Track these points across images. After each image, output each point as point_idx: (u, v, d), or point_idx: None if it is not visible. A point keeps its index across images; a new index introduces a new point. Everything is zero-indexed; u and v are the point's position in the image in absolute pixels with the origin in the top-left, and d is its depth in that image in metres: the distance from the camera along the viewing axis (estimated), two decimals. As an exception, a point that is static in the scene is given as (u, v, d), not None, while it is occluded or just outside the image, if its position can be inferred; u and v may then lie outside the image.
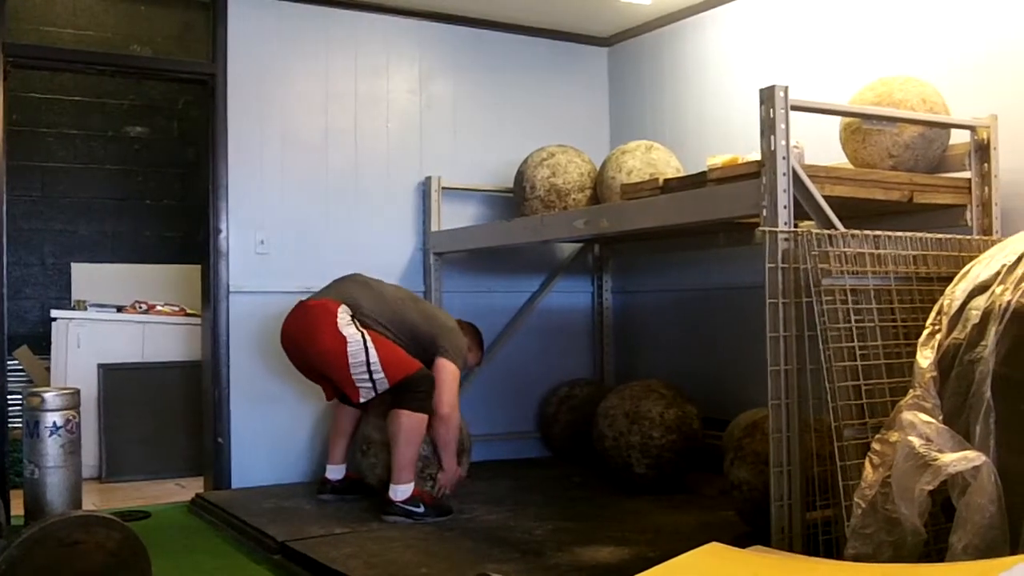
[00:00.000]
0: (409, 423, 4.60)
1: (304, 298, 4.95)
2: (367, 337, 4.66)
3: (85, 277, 7.42)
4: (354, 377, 4.63)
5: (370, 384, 4.65)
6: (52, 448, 4.53)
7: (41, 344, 6.81)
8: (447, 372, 4.80)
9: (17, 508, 4.70)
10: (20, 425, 4.72)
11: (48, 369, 6.52)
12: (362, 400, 4.74)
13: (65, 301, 7.22)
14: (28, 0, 6.21)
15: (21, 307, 7.26)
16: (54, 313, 6.49)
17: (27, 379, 6.62)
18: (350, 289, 4.90)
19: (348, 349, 4.61)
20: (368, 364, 4.61)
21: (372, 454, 4.86)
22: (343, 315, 4.70)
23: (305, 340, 4.79)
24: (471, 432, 5.77)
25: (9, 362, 5.29)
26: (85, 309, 6.62)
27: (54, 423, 4.53)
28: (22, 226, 7.27)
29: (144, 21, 5.82)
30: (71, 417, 4.60)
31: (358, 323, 4.72)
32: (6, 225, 4.99)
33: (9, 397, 5.03)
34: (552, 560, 3.81)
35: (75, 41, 6.36)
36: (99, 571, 3.07)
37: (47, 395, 4.58)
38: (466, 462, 5.01)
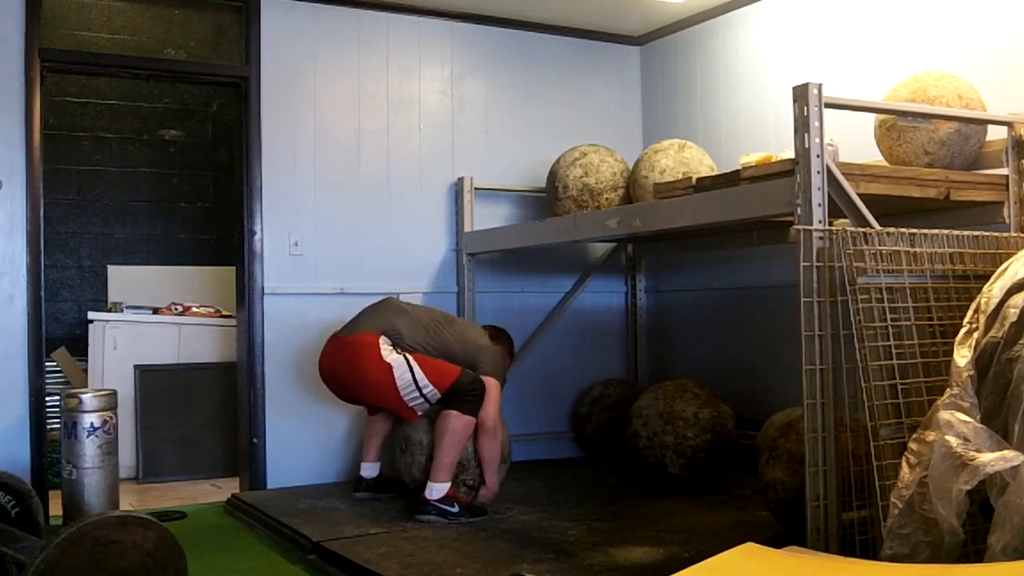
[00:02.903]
0: (458, 425, 4.62)
1: (336, 330, 4.96)
2: (409, 358, 4.70)
3: (121, 279, 7.49)
4: (405, 399, 4.68)
5: (422, 399, 4.69)
6: (89, 449, 4.56)
7: (78, 346, 6.87)
8: (491, 387, 4.77)
9: (55, 508, 4.75)
10: (58, 426, 4.77)
11: (85, 371, 6.58)
12: (419, 415, 4.78)
13: (101, 303, 7.29)
14: (63, 6, 6.26)
15: (58, 309, 7.34)
16: (91, 315, 6.53)
17: (64, 381, 6.68)
18: (388, 318, 4.88)
19: (395, 374, 4.65)
20: (416, 382, 4.65)
21: (409, 453, 4.87)
22: (384, 345, 4.73)
23: (350, 375, 4.82)
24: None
25: (47, 364, 5.34)
26: (121, 311, 6.67)
27: (91, 424, 4.57)
28: (59, 229, 7.34)
29: (177, 25, 5.86)
30: (108, 418, 4.64)
31: (399, 349, 4.74)
32: (43, 228, 5.04)
33: (47, 398, 5.08)
34: (586, 560, 3.81)
35: (110, 46, 6.42)
36: (135, 571, 3.09)
37: (84, 396, 4.62)
38: (504, 470, 5.00)
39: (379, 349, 4.70)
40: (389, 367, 4.66)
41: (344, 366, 4.83)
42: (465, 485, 4.75)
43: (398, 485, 5.05)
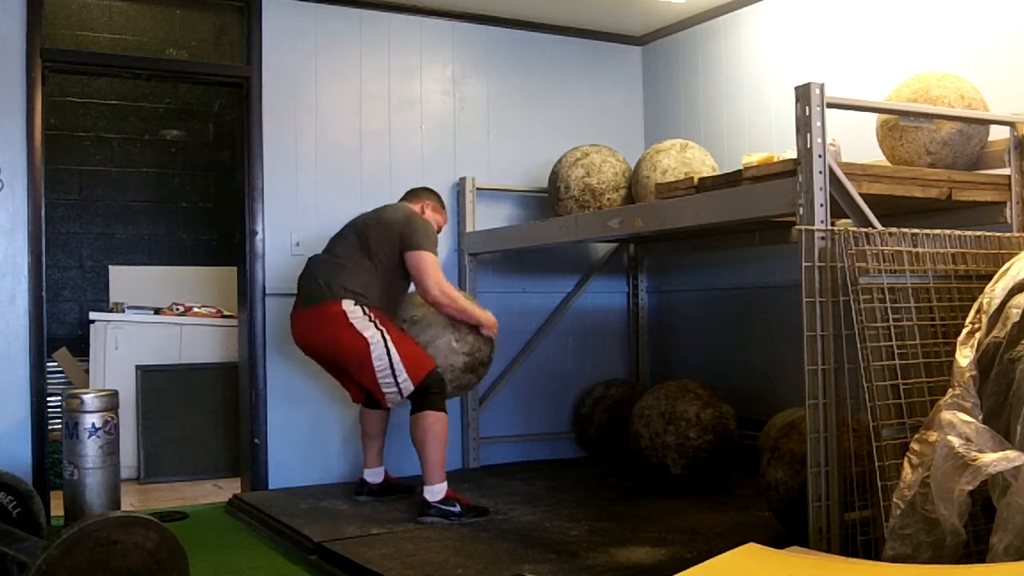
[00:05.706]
0: (434, 422, 4.60)
1: (296, 305, 4.88)
2: (387, 337, 4.60)
3: (123, 279, 7.48)
4: (380, 381, 4.61)
5: (396, 389, 4.61)
6: (91, 449, 4.57)
7: (80, 346, 6.87)
8: (424, 261, 4.69)
9: (56, 509, 4.75)
10: (59, 426, 4.77)
11: (87, 371, 6.58)
12: (389, 406, 4.78)
13: (103, 303, 7.29)
14: (65, 5, 6.26)
15: (60, 310, 7.34)
16: (92, 315, 6.53)
17: (66, 381, 6.68)
18: (332, 279, 4.69)
19: (372, 352, 4.56)
20: (392, 366, 4.56)
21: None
22: (353, 311, 4.61)
23: (324, 347, 4.76)
24: (507, 433, 5.80)
25: (48, 364, 5.34)
26: (123, 311, 6.67)
27: (93, 424, 4.58)
28: (60, 229, 7.34)
29: (179, 25, 5.87)
30: (110, 418, 4.65)
31: (370, 316, 4.62)
32: (44, 228, 5.04)
33: (48, 399, 5.08)
34: (588, 561, 3.81)
35: (111, 46, 6.42)
36: (137, 571, 3.09)
37: (86, 397, 4.62)
38: (482, 372, 5.02)
39: (347, 318, 4.60)
40: (365, 341, 4.56)
41: (318, 339, 4.74)
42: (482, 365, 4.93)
43: (402, 489, 5.06)
